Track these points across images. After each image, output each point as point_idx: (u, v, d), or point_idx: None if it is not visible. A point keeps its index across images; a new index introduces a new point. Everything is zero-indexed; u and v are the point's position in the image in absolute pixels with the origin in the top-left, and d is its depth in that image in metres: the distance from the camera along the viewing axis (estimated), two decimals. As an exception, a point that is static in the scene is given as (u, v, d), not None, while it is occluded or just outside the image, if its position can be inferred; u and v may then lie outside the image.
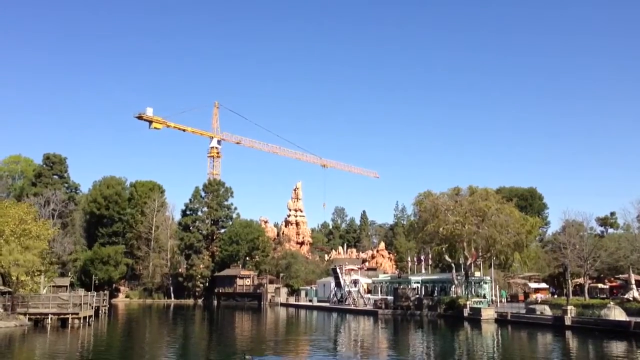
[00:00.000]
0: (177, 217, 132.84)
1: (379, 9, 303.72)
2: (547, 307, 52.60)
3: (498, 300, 67.47)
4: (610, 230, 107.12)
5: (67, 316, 51.84)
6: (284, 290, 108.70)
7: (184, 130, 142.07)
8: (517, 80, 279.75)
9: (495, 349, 37.94)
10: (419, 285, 75.66)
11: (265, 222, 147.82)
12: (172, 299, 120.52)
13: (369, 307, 73.92)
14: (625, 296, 54.32)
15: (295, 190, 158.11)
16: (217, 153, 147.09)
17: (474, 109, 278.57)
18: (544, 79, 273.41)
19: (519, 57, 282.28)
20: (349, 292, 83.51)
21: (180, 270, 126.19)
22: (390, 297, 73.98)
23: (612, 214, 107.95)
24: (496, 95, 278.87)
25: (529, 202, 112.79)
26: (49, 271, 68.29)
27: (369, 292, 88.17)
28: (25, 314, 51.17)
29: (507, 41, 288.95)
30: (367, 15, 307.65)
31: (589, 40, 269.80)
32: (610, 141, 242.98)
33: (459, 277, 68.78)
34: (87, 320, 53.84)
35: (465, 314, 58.25)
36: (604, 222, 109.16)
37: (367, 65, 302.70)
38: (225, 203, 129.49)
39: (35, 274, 60.13)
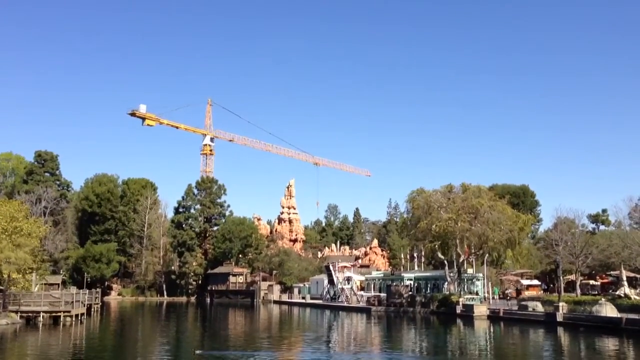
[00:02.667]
0: (170, 214, 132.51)
1: (371, 6, 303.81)
2: (539, 304, 52.92)
3: (490, 297, 67.78)
4: (602, 227, 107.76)
5: (59, 314, 51.59)
6: (277, 288, 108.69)
7: (177, 128, 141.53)
8: (509, 77, 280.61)
9: (487, 345, 38.13)
10: (411, 282, 75.86)
11: (259, 219, 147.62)
12: (165, 296, 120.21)
13: (362, 305, 74.01)
14: (617, 292, 54.75)
15: (288, 187, 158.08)
16: (210, 150, 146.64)
17: (466, 107, 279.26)
18: (536, 77, 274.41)
19: (511, 55, 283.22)
20: (342, 289, 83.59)
21: (173, 267, 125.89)
22: (383, 294, 74.19)
23: (604, 211, 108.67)
24: (488, 92, 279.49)
25: (521, 199, 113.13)
26: (41, 269, 67.91)
27: (362, 289, 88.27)
28: (17, 312, 50.91)
29: (499, 38, 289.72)
30: (359, 13, 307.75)
31: (580, 37, 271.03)
32: (602, 138, 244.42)
33: (451, 274, 69.01)
34: (79, 318, 53.65)
35: (458, 311, 58.46)
36: (595, 219, 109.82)
37: (358, 62, 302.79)
38: (218, 200, 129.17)
39: (27, 272, 59.74)
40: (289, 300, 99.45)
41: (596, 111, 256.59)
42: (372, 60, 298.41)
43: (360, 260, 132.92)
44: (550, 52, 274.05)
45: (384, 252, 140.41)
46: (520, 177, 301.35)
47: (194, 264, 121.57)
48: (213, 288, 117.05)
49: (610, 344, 35.36)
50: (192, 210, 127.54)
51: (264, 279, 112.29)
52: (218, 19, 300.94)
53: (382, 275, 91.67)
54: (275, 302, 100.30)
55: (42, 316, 51.17)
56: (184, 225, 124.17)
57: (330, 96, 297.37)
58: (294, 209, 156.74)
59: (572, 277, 72.38)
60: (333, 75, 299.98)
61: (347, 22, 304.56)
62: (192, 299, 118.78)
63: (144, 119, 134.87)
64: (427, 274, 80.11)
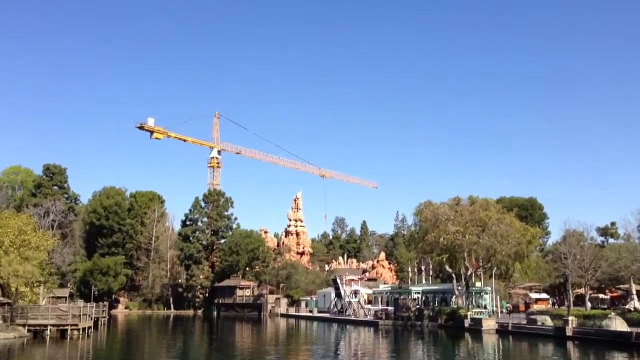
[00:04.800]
0: (177, 227, 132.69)
1: (379, 15, 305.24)
2: (548, 318, 52.50)
3: (499, 311, 67.32)
4: (611, 240, 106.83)
5: (67, 327, 51.65)
6: (284, 301, 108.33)
7: (184, 141, 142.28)
8: (516, 88, 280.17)
9: (496, 359, 37.81)
10: (419, 295, 75.47)
11: (266, 232, 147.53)
12: (172, 309, 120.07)
13: (370, 318, 73.65)
14: (627, 306, 54.23)
15: (295, 200, 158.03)
16: (217, 163, 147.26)
17: (473, 118, 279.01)
18: (544, 88, 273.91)
19: (519, 64, 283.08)
20: (350, 302, 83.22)
21: (180, 280, 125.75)
22: (390, 308, 73.79)
23: (613, 223, 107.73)
24: (496, 103, 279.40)
25: (529, 212, 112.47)
26: (49, 282, 68.20)
27: (370, 302, 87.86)
28: (24, 325, 50.99)
29: (506, 46, 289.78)
30: (366, 22, 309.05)
31: (588, 46, 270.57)
32: (610, 151, 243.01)
33: (459, 288, 68.63)
34: (87, 332, 53.66)
35: (466, 325, 58.03)
36: (604, 232, 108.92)
37: (364, 74, 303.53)
38: (225, 213, 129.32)
39: (35, 285, 60.01)
40: (296, 313, 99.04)
41: (605, 123, 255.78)
42: (378, 71, 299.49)
43: (367, 274, 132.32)
44: (557, 62, 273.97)
45: (392, 265, 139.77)
46: (528, 189, 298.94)
47: (201, 277, 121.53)
48: (220, 301, 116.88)
49: (620, 359, 34.97)
50: (200, 223, 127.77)
51: (271, 292, 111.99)
52: (225, 33, 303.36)
53: (390, 288, 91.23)
54: (282, 315, 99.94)
55: (50, 329, 51.25)
56: (191, 238, 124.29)
57: (336, 108, 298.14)
58: (301, 221, 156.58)
59: (581, 290, 71.79)
60: (339, 87, 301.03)
61: (353, 33, 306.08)
62: (199, 312, 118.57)
63: (152, 132, 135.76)
64: (435, 287, 79.69)
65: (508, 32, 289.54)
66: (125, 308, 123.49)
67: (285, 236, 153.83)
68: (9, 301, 53.73)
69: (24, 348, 43.19)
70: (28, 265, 53.30)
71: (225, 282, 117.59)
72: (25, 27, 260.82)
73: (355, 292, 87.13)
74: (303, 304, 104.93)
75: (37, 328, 51.47)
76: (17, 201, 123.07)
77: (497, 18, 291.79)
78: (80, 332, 52.23)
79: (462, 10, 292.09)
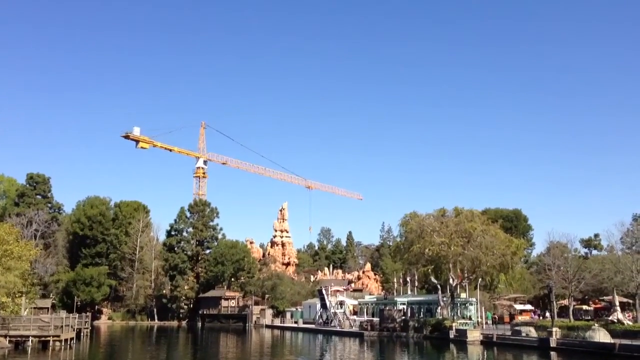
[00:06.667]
0: (162, 237, 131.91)
1: (365, 25, 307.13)
2: (532, 329, 52.77)
3: (484, 322, 67.49)
4: (595, 252, 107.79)
5: (48, 338, 50.93)
6: (269, 312, 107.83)
7: (170, 150, 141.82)
8: (502, 100, 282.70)
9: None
10: (405, 306, 75.47)
11: (251, 242, 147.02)
12: (156, 320, 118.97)
13: (355, 329, 73.45)
14: (610, 318, 54.69)
15: (281, 211, 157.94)
16: (203, 173, 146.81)
17: (458, 129, 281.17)
18: (529, 99, 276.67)
19: (503, 75, 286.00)
20: (335, 313, 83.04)
21: (164, 291, 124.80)
22: (376, 319, 73.72)
23: (596, 235, 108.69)
24: (481, 115, 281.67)
25: (514, 224, 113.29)
26: (31, 292, 67.25)
27: (355, 313, 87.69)
28: (5, 336, 50.20)
29: (491, 57, 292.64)
30: (351, 32, 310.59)
31: (573, 57, 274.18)
32: (594, 163, 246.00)
33: (444, 299, 68.77)
34: (69, 343, 52.95)
35: (451, 336, 58.11)
36: (588, 243, 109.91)
37: (350, 85, 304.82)
38: (211, 223, 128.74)
39: (17, 296, 59.14)
40: (281, 324, 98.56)
41: (589, 135, 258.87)
42: (365, 82, 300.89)
43: (353, 284, 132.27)
44: (542, 73, 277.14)
45: (377, 276, 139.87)
46: (513, 201, 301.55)
47: (185, 287, 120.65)
48: (204, 312, 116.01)
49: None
50: (185, 234, 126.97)
51: (256, 303, 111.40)
52: (211, 43, 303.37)
53: (375, 299, 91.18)
54: (267, 326, 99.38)
55: (31, 340, 50.54)
56: (176, 249, 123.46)
57: (322, 120, 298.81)
58: (287, 232, 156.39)
59: (565, 302, 72.24)
60: (325, 98, 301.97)
61: (338, 44, 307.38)
62: (183, 323, 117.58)
63: (137, 141, 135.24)
64: (420, 298, 79.79)
65: (493, 41, 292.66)
66: (109, 319, 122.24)
67: (271, 247, 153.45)
68: (-10, 312, 52.94)
69: (5, 359, 42.57)
70: (10, 276, 52.51)
71: (210, 293, 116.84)
72: (8, 35, 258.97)
73: (341, 303, 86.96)
74: (288, 315, 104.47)
75: (19, 339, 50.72)
76: (0, 211, 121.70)
77: (482, 27, 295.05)
78: (63, 344, 51.53)
79: (444, 16, 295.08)
